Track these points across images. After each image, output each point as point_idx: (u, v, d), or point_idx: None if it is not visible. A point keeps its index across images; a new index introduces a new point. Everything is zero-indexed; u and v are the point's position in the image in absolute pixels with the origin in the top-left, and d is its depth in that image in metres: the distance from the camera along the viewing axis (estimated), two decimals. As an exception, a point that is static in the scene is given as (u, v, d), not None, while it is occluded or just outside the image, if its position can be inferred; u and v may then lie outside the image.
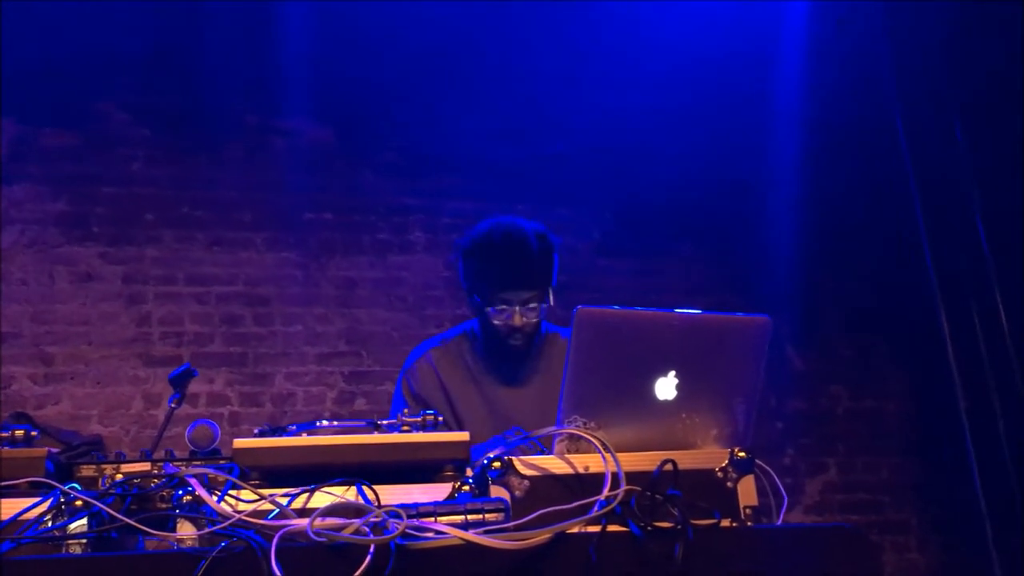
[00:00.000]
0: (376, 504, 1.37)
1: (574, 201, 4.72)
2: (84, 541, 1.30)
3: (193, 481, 1.37)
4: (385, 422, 1.56)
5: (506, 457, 1.48)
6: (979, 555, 4.52)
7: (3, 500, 1.38)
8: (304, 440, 1.48)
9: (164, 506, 1.44)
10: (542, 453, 1.61)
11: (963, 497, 4.59)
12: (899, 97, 4.97)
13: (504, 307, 2.38)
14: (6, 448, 1.47)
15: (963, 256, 4.69)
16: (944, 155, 4.80)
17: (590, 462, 1.51)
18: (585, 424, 1.55)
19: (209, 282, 4.30)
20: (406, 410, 2.29)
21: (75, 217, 4.25)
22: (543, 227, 2.47)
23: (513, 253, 2.40)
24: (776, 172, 4.82)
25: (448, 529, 1.28)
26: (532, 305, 2.39)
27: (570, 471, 1.50)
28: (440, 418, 1.56)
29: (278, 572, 1.18)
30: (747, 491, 1.56)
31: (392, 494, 1.43)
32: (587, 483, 1.48)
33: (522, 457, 1.50)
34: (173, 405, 2.00)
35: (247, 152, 4.51)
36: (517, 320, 2.38)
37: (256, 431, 1.54)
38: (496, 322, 2.40)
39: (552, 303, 2.43)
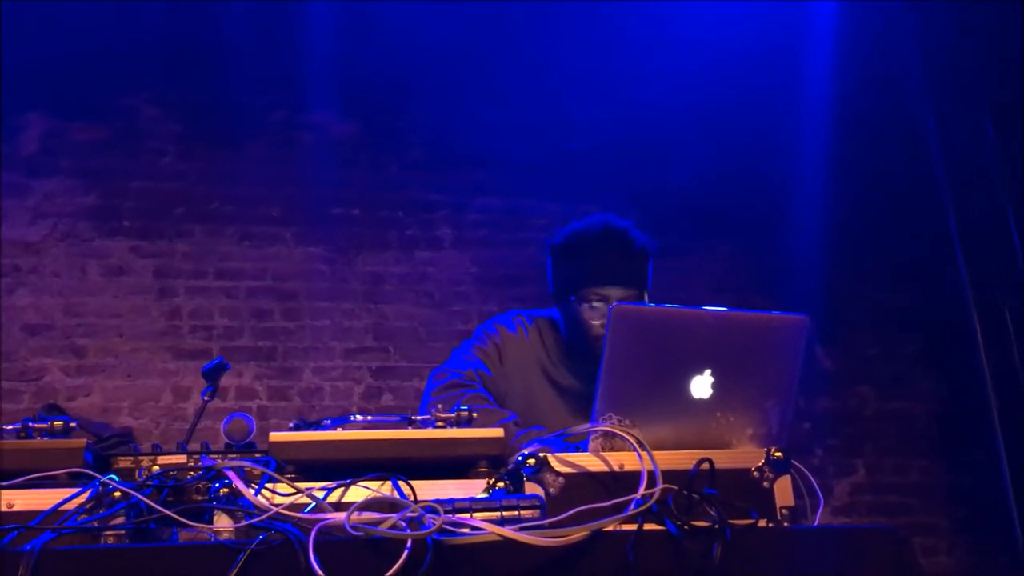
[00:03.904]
0: (412, 499, 1.37)
1: (600, 197, 4.67)
2: (122, 532, 1.31)
3: (231, 473, 1.38)
4: (419, 417, 1.56)
5: (541, 454, 1.48)
6: (1010, 558, 4.47)
7: (43, 491, 1.39)
8: (341, 434, 1.49)
9: (200, 498, 1.44)
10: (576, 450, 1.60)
11: (993, 499, 4.54)
12: (929, 93, 4.92)
13: (600, 304, 2.24)
14: (46, 439, 1.49)
15: (995, 254, 4.63)
16: (975, 151, 4.74)
17: (625, 460, 1.50)
18: (620, 422, 1.55)
19: (238, 276, 4.33)
20: (471, 371, 2.24)
21: (106, 211, 4.29)
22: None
23: (613, 245, 2.28)
24: (803, 169, 4.78)
25: (485, 525, 1.28)
26: None
27: (605, 469, 1.50)
28: (475, 414, 1.55)
29: (316, 565, 1.19)
30: (783, 491, 1.55)
31: (426, 489, 1.43)
32: (622, 481, 1.47)
33: (557, 454, 1.49)
34: (206, 398, 2.02)
35: (275, 147, 4.53)
36: None
37: (291, 425, 1.55)
38: (591, 321, 2.24)
39: None
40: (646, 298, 2.32)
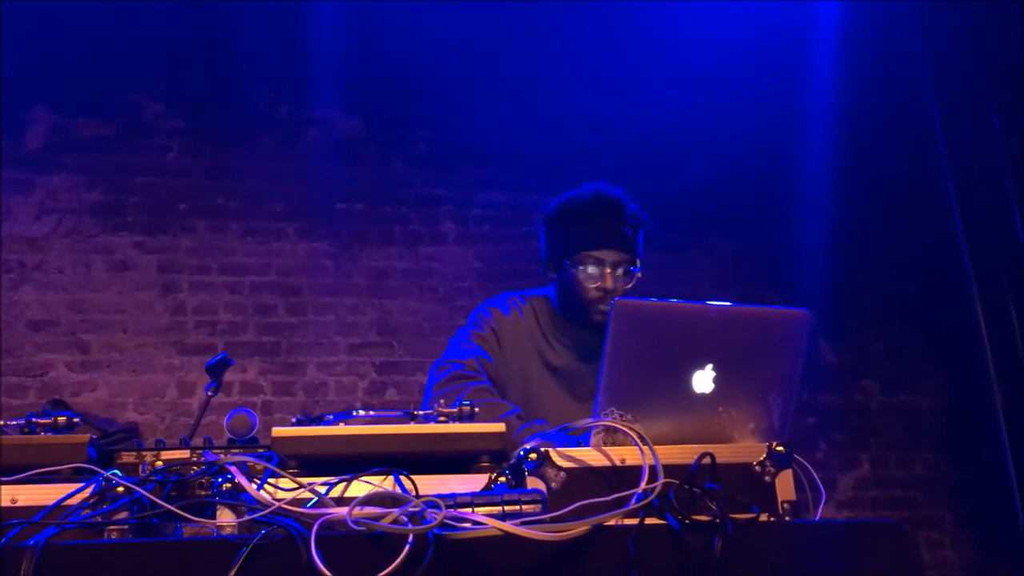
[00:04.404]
0: (414, 494, 1.37)
1: (605, 193, 4.69)
2: (125, 527, 1.31)
3: (233, 469, 1.38)
4: (421, 412, 1.56)
5: (543, 449, 1.48)
6: (1013, 551, 4.46)
7: (47, 485, 1.40)
8: (342, 429, 1.49)
9: (203, 493, 1.44)
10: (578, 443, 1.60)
11: (997, 493, 4.54)
12: (934, 88, 4.90)
13: (595, 268, 2.28)
14: (49, 434, 1.49)
15: (1000, 248, 4.62)
16: (981, 147, 4.72)
17: (627, 455, 1.50)
18: (622, 416, 1.54)
19: (242, 272, 4.34)
20: (471, 360, 2.25)
21: (110, 207, 4.30)
22: None
23: (607, 209, 2.32)
24: (809, 165, 4.78)
25: (486, 520, 1.28)
26: (623, 270, 2.29)
27: (607, 463, 1.50)
28: (477, 409, 1.55)
29: (318, 560, 1.19)
30: (785, 486, 1.55)
31: (428, 484, 1.43)
32: (624, 476, 1.47)
33: (559, 449, 1.49)
34: (210, 393, 2.02)
35: (279, 143, 4.54)
36: (609, 282, 2.26)
37: (294, 420, 1.54)
38: (586, 284, 2.28)
39: (640, 277, 2.33)
40: (638, 264, 2.34)
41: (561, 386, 2.34)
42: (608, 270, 2.29)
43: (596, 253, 2.30)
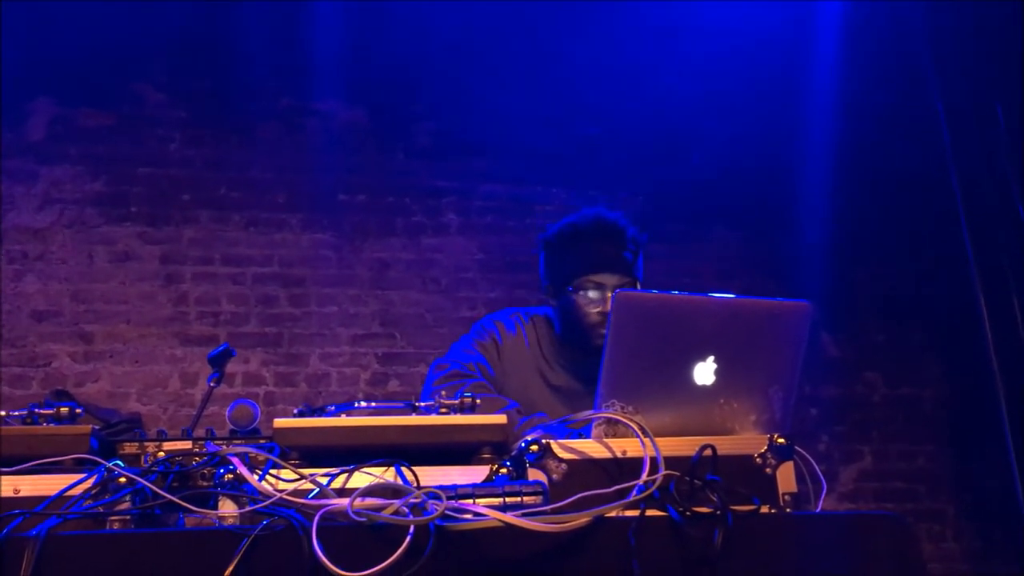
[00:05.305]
0: (415, 485, 1.37)
1: (607, 185, 4.70)
2: (127, 517, 1.32)
3: (235, 460, 1.38)
4: (423, 404, 1.57)
5: (544, 440, 1.48)
6: (1016, 544, 4.47)
7: (49, 476, 1.40)
8: (344, 420, 1.49)
9: (205, 484, 1.45)
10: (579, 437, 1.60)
11: (1000, 485, 4.54)
12: (939, 80, 4.88)
13: (596, 293, 2.27)
14: (52, 425, 1.50)
15: (1004, 241, 4.61)
16: (985, 140, 4.71)
17: (628, 446, 1.51)
18: (623, 408, 1.55)
19: (245, 263, 4.34)
20: (471, 363, 2.26)
21: (113, 197, 4.30)
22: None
23: (606, 234, 2.32)
24: (812, 157, 4.76)
25: (487, 511, 1.28)
26: None
27: (608, 455, 1.50)
28: (478, 401, 1.55)
29: (319, 551, 1.19)
30: (786, 478, 1.55)
31: (429, 475, 1.43)
32: (625, 467, 1.48)
33: (560, 441, 1.50)
34: (212, 384, 2.02)
35: (281, 134, 4.54)
36: (610, 306, 2.27)
37: (295, 411, 1.55)
38: (587, 309, 2.28)
39: None
40: (639, 287, 2.34)
41: (561, 403, 2.33)
42: (609, 294, 2.27)
43: (596, 277, 2.29)
